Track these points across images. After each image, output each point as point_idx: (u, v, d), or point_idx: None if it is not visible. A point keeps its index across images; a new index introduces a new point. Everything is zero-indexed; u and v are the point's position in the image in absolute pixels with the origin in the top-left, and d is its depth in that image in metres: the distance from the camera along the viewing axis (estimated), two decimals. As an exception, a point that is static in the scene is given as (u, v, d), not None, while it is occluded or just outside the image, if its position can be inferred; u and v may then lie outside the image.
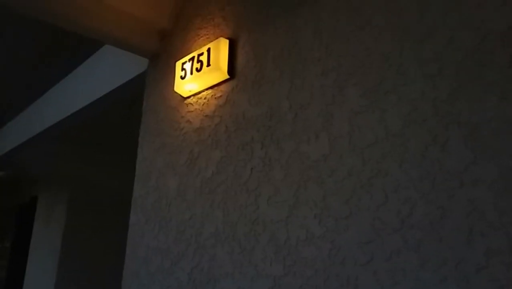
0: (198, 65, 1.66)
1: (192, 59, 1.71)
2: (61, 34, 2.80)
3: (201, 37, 1.79)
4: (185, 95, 1.79)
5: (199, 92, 1.73)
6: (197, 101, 1.73)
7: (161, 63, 2.03)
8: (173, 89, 1.83)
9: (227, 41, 1.61)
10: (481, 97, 0.91)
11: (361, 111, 1.14)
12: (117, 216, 4.03)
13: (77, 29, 2.01)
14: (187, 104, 1.78)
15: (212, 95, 1.65)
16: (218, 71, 1.58)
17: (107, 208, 4.87)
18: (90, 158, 4.55)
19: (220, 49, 1.59)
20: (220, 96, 1.61)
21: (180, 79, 1.76)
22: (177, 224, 1.65)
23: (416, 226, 0.96)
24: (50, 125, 3.44)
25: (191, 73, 1.70)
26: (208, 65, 1.61)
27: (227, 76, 1.59)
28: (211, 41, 1.68)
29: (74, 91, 3.16)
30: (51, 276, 4.73)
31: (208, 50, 1.63)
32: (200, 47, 1.73)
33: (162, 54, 2.04)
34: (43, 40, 2.95)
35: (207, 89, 1.69)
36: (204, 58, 1.64)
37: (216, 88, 1.64)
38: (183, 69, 1.75)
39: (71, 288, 4.63)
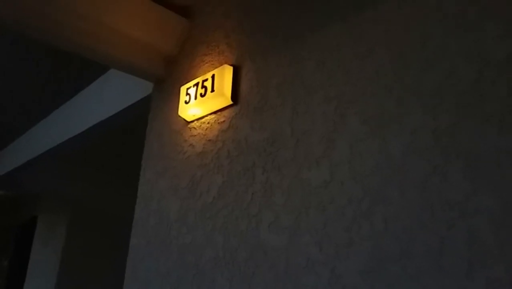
0: (203, 91, 1.69)
1: (196, 84, 1.74)
2: (67, 56, 2.85)
3: (206, 63, 1.82)
4: (189, 120, 1.82)
5: (203, 117, 1.75)
6: (200, 125, 1.75)
7: (166, 88, 2.07)
8: (177, 114, 1.85)
9: (231, 68, 1.64)
10: (481, 128, 0.93)
11: (362, 138, 1.15)
12: (117, 237, 4.01)
13: (83, 53, 2.05)
14: (190, 129, 1.81)
15: (215, 120, 1.68)
16: (222, 97, 1.61)
17: (108, 229, 4.85)
18: (91, 179, 4.56)
19: (224, 76, 1.62)
20: (223, 121, 1.63)
21: (184, 104, 1.78)
22: (177, 248, 1.65)
23: (416, 256, 0.96)
24: (53, 146, 3.46)
25: (195, 98, 1.73)
26: (212, 90, 1.64)
27: (230, 102, 1.61)
28: (216, 67, 1.72)
29: (79, 113, 3.20)
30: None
31: (213, 76, 1.66)
32: (205, 73, 1.77)
33: (167, 78, 2.08)
34: (48, 62, 3.01)
35: (210, 114, 1.71)
36: (208, 84, 1.67)
37: (219, 113, 1.67)
38: (187, 94, 1.78)
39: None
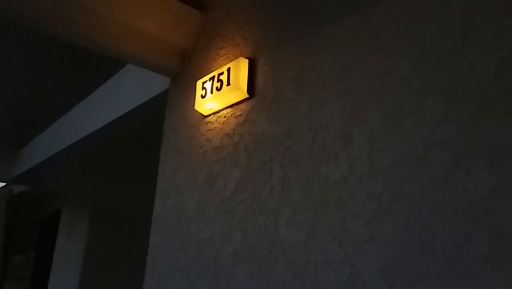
0: (218, 84, 1.67)
1: (212, 78, 1.73)
2: (85, 54, 2.88)
3: (221, 56, 1.81)
4: (205, 114, 1.81)
5: (219, 111, 1.74)
6: (217, 119, 1.74)
7: (182, 82, 2.06)
8: (194, 108, 1.85)
9: (247, 61, 1.63)
10: (505, 121, 0.89)
11: (381, 132, 1.12)
12: (138, 231, 4.06)
13: (100, 50, 2.06)
14: (207, 123, 1.80)
15: (231, 114, 1.66)
16: (237, 90, 1.59)
17: (128, 223, 4.92)
18: (111, 176, 4.62)
19: (240, 69, 1.60)
20: (240, 115, 1.62)
21: (201, 98, 1.78)
22: (196, 243, 1.65)
23: (438, 253, 0.93)
24: (73, 143, 3.51)
25: (211, 92, 1.71)
26: (228, 84, 1.63)
27: (246, 96, 1.60)
28: (231, 60, 1.70)
29: (97, 110, 3.23)
30: (73, 288, 4.77)
31: (228, 70, 1.65)
32: (220, 66, 1.75)
33: (183, 73, 2.07)
34: (68, 59, 3.04)
35: (226, 108, 1.70)
36: (224, 77, 1.65)
37: (235, 107, 1.65)
38: (203, 88, 1.77)
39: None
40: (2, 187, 7.20)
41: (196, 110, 1.85)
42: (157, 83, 2.39)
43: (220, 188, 1.62)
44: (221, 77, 1.68)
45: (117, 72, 3.05)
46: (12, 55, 3.02)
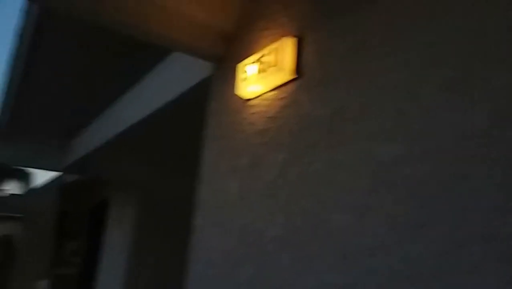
0: (263, 66, 1.63)
1: (256, 60, 1.68)
2: (131, 43, 2.91)
3: (265, 38, 1.76)
4: (248, 97, 1.77)
5: (263, 94, 1.69)
6: (260, 103, 1.70)
7: (225, 66, 2.03)
8: (237, 92, 1.82)
9: (292, 40, 1.57)
10: None
11: (438, 108, 1.03)
12: (184, 217, 4.11)
13: (144, 37, 2.06)
14: (250, 106, 1.76)
15: (276, 96, 1.61)
16: (283, 71, 1.54)
17: (175, 210, 4.99)
18: (157, 163, 4.71)
19: (285, 49, 1.55)
20: (284, 97, 1.57)
21: (244, 82, 1.74)
22: (239, 228, 1.62)
23: (502, 238, 0.84)
24: (121, 132, 3.59)
25: (255, 74, 1.67)
26: (273, 65, 1.58)
27: (292, 76, 1.54)
28: (276, 41, 1.65)
29: (142, 99, 3.28)
30: (121, 274, 4.92)
31: (273, 51, 1.59)
32: (265, 47, 1.70)
33: (227, 57, 2.04)
34: (116, 48, 3.09)
35: (271, 90, 1.65)
36: (268, 58, 1.60)
37: (280, 89, 1.60)
38: (247, 71, 1.73)
39: (140, 285, 4.79)
40: (56, 176, 7.56)
41: (239, 95, 1.81)
42: (200, 70, 2.37)
43: (264, 172, 1.58)
44: (265, 58, 1.63)
45: (162, 60, 3.07)
46: (63, 47, 3.12)
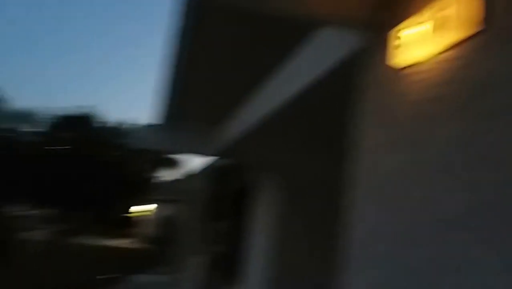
0: (430, 25, 1.43)
1: (420, 21, 1.49)
2: (271, 23, 2.86)
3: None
4: (409, 64, 1.59)
5: (429, 59, 1.49)
6: (426, 68, 1.50)
7: (379, 34, 1.87)
8: (393, 60, 1.65)
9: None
10: None
11: None
12: (330, 200, 4.05)
13: (288, 14, 2.02)
14: (413, 74, 1.58)
15: (448, 58, 1.40)
16: (460, 28, 1.32)
17: (319, 193, 4.96)
18: (301, 144, 4.72)
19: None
20: (460, 56, 1.34)
21: (402, 48, 1.57)
22: (410, 206, 1.47)
23: None
24: (268, 114, 3.65)
25: (419, 37, 1.49)
26: (441, 24, 1.38)
27: (473, 31, 1.29)
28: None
29: (289, 79, 3.27)
30: (264, 254, 5.10)
31: (439, 7, 1.39)
32: (431, 2, 1.48)
33: (380, 23, 1.87)
34: (262, 33, 3.09)
35: (441, 53, 1.43)
36: (436, 16, 1.41)
37: (454, 49, 1.37)
38: (406, 35, 1.56)
39: (284, 268, 4.89)
40: (208, 162, 8.19)
41: (396, 63, 1.64)
42: (345, 45, 2.24)
43: (433, 145, 1.41)
44: (430, 18, 1.44)
45: (304, 38, 3.00)
46: (221, 35, 3.19)
